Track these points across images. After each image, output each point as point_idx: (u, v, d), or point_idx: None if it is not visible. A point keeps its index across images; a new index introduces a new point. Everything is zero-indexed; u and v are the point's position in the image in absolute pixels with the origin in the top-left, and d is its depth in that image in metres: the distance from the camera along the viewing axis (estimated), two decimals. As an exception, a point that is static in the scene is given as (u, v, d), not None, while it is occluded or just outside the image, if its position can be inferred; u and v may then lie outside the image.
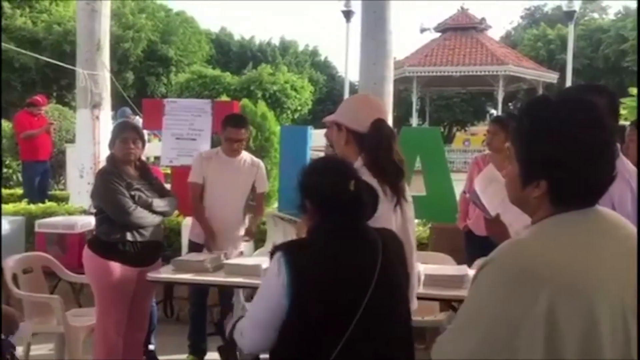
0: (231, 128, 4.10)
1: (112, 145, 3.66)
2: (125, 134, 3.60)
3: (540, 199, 1.23)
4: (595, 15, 35.38)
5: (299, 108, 25.16)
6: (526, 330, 1.09)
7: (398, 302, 1.89)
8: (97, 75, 6.89)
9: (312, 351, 1.75)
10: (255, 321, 1.84)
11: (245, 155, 4.28)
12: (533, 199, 1.24)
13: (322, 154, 4.26)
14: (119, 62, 22.63)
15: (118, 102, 8.63)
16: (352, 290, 1.76)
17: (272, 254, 1.82)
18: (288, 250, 1.80)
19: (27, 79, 23.35)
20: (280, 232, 3.41)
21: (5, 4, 24.18)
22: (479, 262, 3.55)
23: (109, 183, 3.48)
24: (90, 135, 6.90)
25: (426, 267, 3.26)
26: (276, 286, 1.74)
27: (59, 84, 23.51)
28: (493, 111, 26.09)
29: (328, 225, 1.85)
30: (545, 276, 1.11)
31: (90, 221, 4.79)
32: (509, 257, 1.19)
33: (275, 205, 6.06)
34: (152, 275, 3.54)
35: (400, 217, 2.27)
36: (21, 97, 18.28)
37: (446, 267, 3.58)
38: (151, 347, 4.19)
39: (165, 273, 3.59)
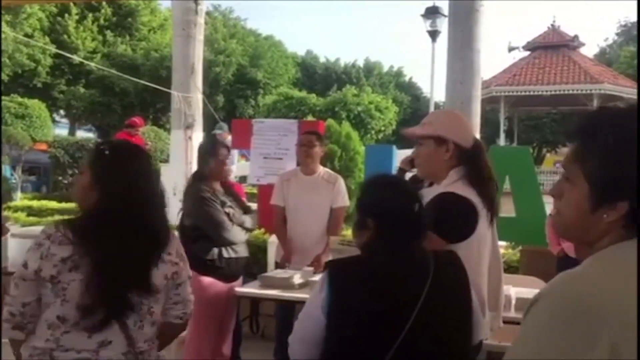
0: (303, 135, 4.39)
1: (204, 163, 3.72)
2: (222, 153, 3.72)
3: (613, 223, 1.06)
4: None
5: (382, 129, 25.16)
6: None
7: (452, 329, 1.78)
8: (191, 97, 7.23)
9: None
10: (299, 335, 1.84)
11: (322, 172, 4.32)
12: (604, 224, 1.07)
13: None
14: (211, 85, 23.62)
15: (209, 123, 8.98)
16: (393, 313, 1.69)
17: (324, 269, 1.83)
18: (334, 268, 1.80)
19: (126, 103, 24.86)
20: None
21: (108, 33, 25.94)
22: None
23: (206, 201, 3.58)
24: (182, 155, 7.22)
25: (518, 290, 3.16)
26: (317, 302, 1.75)
27: (155, 107, 24.88)
28: (587, 131, 24.89)
29: (382, 242, 1.80)
30: (604, 315, 0.93)
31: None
32: (562, 292, 1.01)
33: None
34: (240, 290, 3.63)
35: (491, 234, 2.21)
36: (121, 119, 19.44)
37: (538, 291, 3.44)
38: (239, 361, 4.27)
39: (251, 288, 3.66)
